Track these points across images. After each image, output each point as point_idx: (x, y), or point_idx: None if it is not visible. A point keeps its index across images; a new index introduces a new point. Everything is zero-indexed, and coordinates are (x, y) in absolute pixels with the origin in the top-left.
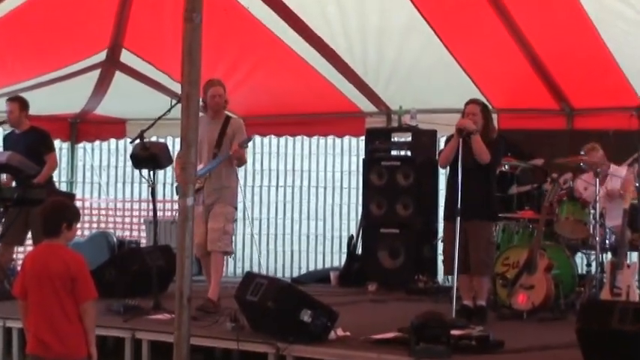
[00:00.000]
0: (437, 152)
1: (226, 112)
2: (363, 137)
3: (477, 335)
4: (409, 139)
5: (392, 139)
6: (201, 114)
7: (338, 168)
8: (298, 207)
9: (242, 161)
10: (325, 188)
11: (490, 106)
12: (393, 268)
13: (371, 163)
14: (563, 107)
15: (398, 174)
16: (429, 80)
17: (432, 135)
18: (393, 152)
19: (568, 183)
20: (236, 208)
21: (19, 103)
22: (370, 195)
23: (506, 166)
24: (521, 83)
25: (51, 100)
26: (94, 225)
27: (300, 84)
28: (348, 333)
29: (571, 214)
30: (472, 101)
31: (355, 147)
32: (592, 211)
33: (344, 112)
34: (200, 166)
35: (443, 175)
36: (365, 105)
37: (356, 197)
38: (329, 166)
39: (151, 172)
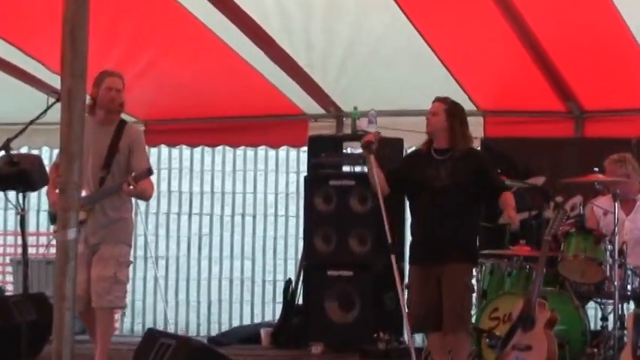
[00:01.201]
0: None
1: (121, 116)
2: (305, 148)
3: None
4: None
5: (344, 151)
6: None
7: (271, 189)
8: (218, 242)
9: (144, 196)
10: (254, 217)
11: (475, 107)
12: (344, 324)
13: (315, 182)
14: (571, 108)
15: (352, 197)
16: (393, 72)
17: (398, 145)
18: (346, 168)
19: (577, 209)
20: (131, 247)
21: None
22: (314, 225)
23: None
24: (515, 77)
25: None
26: None
27: (221, 77)
28: None
29: (581, 250)
30: (436, 99)
31: (295, 161)
32: (609, 247)
33: (279, 114)
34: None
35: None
36: (308, 105)
37: (295, 228)
38: (259, 186)
39: (20, 195)
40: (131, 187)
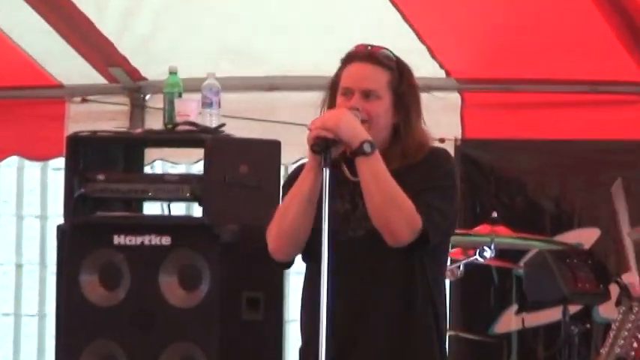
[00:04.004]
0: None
1: None
2: (59, 162)
3: None
4: (197, 164)
5: (147, 168)
6: None
7: None
8: None
9: None
10: None
11: (443, 72)
12: None
13: (83, 239)
14: None
15: (165, 273)
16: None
17: (271, 152)
18: (151, 207)
19: None
20: None
21: None
22: (82, 335)
23: (486, 253)
24: (529, 9)
25: None
26: None
27: None
28: None
29: None
30: (359, 55)
31: (35, 191)
32: None
33: (3, 87)
34: None
35: (296, 274)
36: (67, 67)
37: (37, 342)
38: None
39: None
40: None
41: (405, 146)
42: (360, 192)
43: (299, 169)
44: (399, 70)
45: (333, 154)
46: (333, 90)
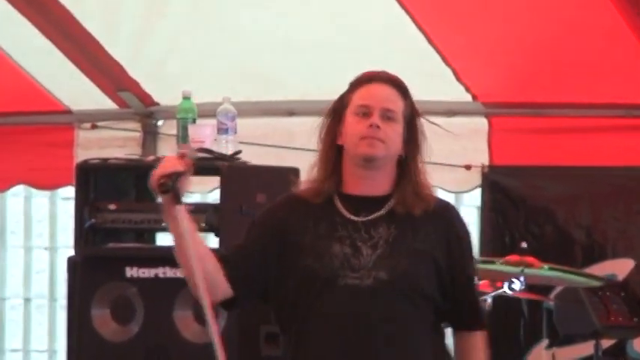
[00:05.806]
0: None
1: None
2: (67, 191)
3: None
4: (212, 193)
5: (157, 199)
6: None
7: None
8: None
9: None
10: None
11: (470, 96)
12: None
13: (93, 270)
14: None
15: (180, 306)
16: (275, 19)
17: (289, 183)
18: (162, 240)
19: None
20: None
21: None
22: None
23: (515, 285)
24: (562, 28)
25: None
26: None
27: None
28: None
29: None
30: (378, 76)
31: (44, 222)
32: None
33: (6, 113)
34: None
35: None
36: (75, 92)
37: None
38: None
39: None
40: None
41: (416, 185)
42: (360, 234)
43: (278, 204)
44: (411, 102)
45: (183, 189)
46: (338, 115)
